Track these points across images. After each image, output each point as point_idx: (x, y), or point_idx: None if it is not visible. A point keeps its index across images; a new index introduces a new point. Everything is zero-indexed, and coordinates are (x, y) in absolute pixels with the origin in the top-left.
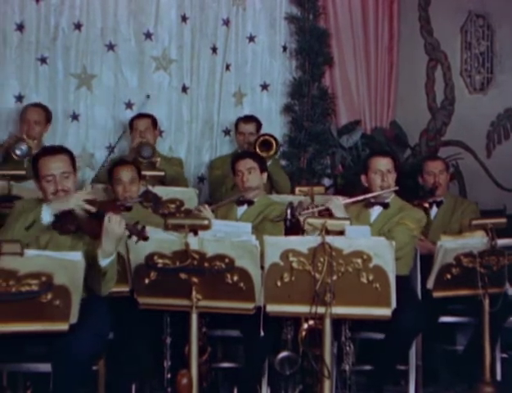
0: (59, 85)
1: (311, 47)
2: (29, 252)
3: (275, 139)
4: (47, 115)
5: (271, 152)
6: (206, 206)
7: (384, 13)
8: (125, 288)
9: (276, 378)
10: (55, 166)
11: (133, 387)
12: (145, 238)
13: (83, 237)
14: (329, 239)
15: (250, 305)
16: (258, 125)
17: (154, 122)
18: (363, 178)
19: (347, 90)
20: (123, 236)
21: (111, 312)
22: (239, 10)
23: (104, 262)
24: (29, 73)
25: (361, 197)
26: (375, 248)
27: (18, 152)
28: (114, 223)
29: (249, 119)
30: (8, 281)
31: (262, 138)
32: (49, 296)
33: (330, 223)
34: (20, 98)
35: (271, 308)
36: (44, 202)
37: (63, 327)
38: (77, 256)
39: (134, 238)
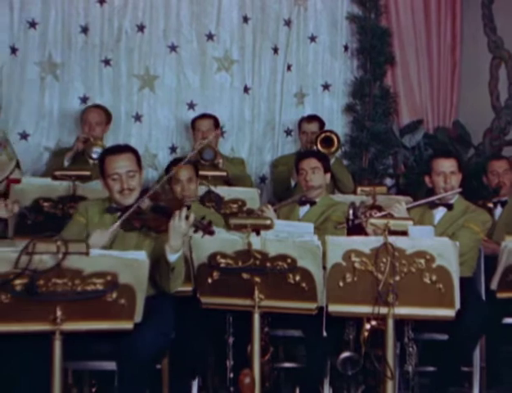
0: (122, 86)
1: (372, 46)
2: (95, 252)
3: (336, 136)
4: (107, 116)
5: (333, 149)
6: (269, 206)
7: (446, 11)
8: (188, 288)
9: (338, 379)
10: (121, 165)
11: (196, 386)
12: (211, 233)
13: (148, 234)
14: (391, 239)
15: (312, 305)
16: (321, 125)
17: (216, 122)
18: (427, 179)
19: (409, 89)
20: (191, 231)
21: (175, 311)
22: (300, 10)
23: (172, 257)
24: (93, 75)
25: (423, 201)
26: (439, 248)
27: (94, 155)
28: (181, 219)
29: (312, 118)
30: (74, 280)
31: (323, 135)
32: (114, 295)
33: (393, 224)
34: (84, 100)
35: (334, 308)
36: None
37: (128, 325)
38: (141, 255)
39: (200, 233)
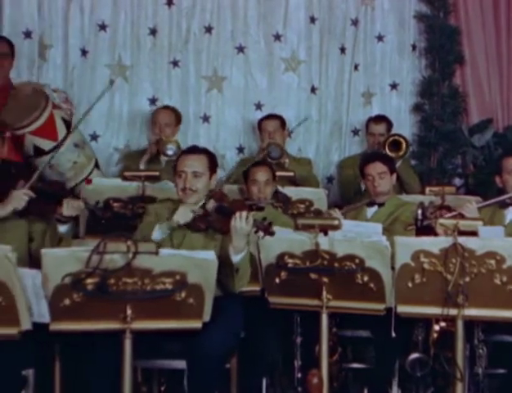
0: (190, 88)
1: (441, 45)
2: (164, 251)
3: (405, 139)
4: (177, 117)
5: (401, 153)
6: (336, 210)
7: None
8: (256, 288)
9: (406, 380)
10: (188, 164)
11: (264, 386)
12: (271, 233)
13: (214, 235)
14: (461, 240)
15: (381, 306)
16: (389, 126)
17: (282, 123)
18: (497, 179)
19: (478, 88)
20: (251, 231)
21: (243, 311)
22: (367, 9)
23: (236, 258)
24: (161, 76)
25: (494, 200)
26: (510, 249)
27: (169, 152)
28: (242, 220)
29: (380, 119)
30: (144, 279)
31: (391, 138)
32: (183, 295)
33: (463, 224)
34: (153, 101)
35: (402, 309)
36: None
37: (196, 324)
38: (210, 255)
39: (261, 233)
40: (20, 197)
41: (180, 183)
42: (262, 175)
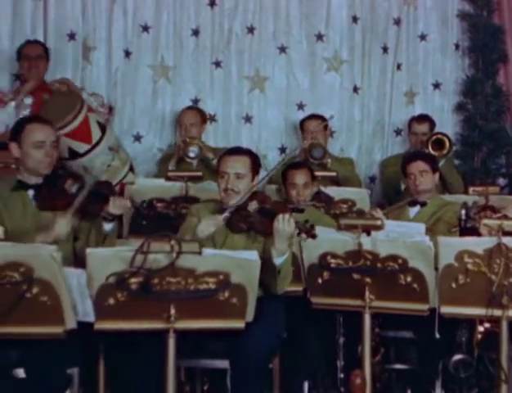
0: (233, 88)
1: (485, 44)
2: (207, 251)
3: (448, 138)
4: (202, 117)
5: (444, 151)
6: (378, 210)
7: None
8: (299, 288)
9: (450, 381)
10: (230, 165)
11: (306, 386)
12: (314, 236)
13: (256, 237)
14: (505, 240)
15: (424, 307)
16: (432, 125)
17: (324, 123)
18: None
19: None
20: (294, 234)
21: (285, 311)
22: (410, 9)
23: (278, 260)
24: (204, 77)
25: None
26: None
27: (191, 155)
28: (284, 222)
29: (423, 119)
30: (187, 279)
31: (434, 137)
32: (226, 294)
33: (507, 224)
34: (196, 102)
35: (446, 309)
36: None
37: (239, 324)
38: (253, 255)
39: (303, 236)
40: (66, 226)
41: (222, 184)
42: (300, 178)
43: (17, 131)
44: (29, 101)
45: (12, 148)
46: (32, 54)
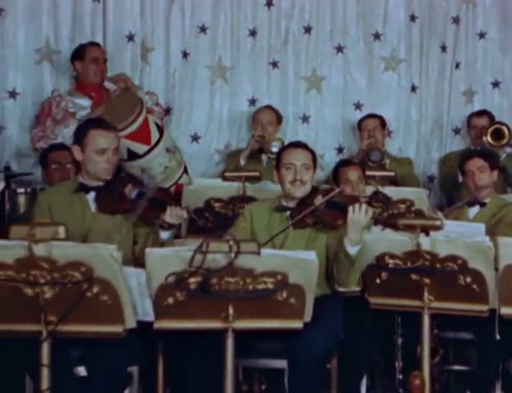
0: (289, 88)
1: None
2: (266, 251)
3: (507, 128)
4: (278, 117)
5: (504, 141)
6: (437, 212)
7: None
8: (356, 288)
9: (510, 383)
10: (297, 157)
11: (364, 386)
12: (393, 226)
13: (317, 235)
14: None
15: (484, 308)
16: (491, 119)
17: (382, 122)
18: None
19: None
20: (369, 225)
21: (343, 311)
22: (469, 7)
23: (352, 250)
24: (261, 77)
25: None
26: None
27: (274, 149)
28: (361, 212)
29: (482, 113)
30: (245, 279)
31: (493, 127)
32: (284, 295)
33: None
34: (253, 102)
35: (506, 311)
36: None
37: (297, 325)
38: (311, 255)
39: (379, 227)
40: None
41: (288, 175)
42: (353, 174)
43: (81, 135)
44: (86, 102)
45: (74, 151)
46: (96, 56)
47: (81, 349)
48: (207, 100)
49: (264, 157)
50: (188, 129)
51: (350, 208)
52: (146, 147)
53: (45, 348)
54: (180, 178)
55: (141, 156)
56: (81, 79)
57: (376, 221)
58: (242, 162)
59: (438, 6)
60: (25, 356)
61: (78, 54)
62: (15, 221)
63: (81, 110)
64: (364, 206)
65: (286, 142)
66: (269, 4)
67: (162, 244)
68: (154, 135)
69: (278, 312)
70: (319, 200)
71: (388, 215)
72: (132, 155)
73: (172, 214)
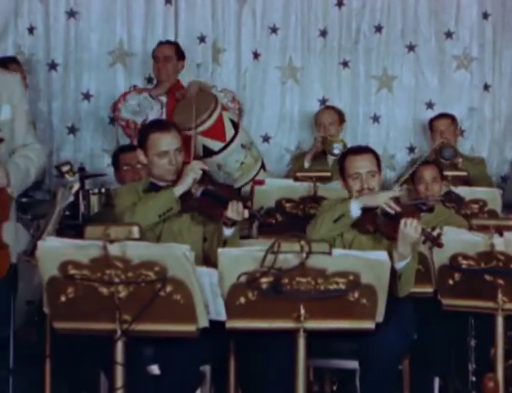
0: (360, 88)
1: None
2: (337, 251)
3: None
4: (340, 116)
5: None
6: None
7: None
8: (429, 289)
9: None
10: (361, 164)
11: (437, 388)
12: (440, 245)
13: (381, 239)
14: None
15: None
16: None
17: (454, 122)
18: None
19: None
20: (419, 240)
21: (416, 312)
22: None
23: (399, 264)
24: (331, 77)
25: None
26: None
27: (336, 151)
28: (410, 228)
29: None
30: (317, 279)
31: None
32: (356, 295)
33: None
34: (323, 102)
35: None
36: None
37: (369, 325)
38: (383, 256)
39: (428, 244)
40: (196, 168)
41: (355, 185)
42: (428, 173)
43: (142, 139)
44: (162, 99)
45: (139, 155)
46: (160, 55)
47: (154, 347)
48: (277, 100)
49: (330, 158)
50: (259, 130)
51: (402, 221)
52: (222, 144)
53: (119, 346)
54: (257, 174)
55: (217, 153)
56: (157, 78)
57: (426, 238)
58: (306, 164)
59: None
60: (100, 354)
61: (153, 53)
62: (89, 221)
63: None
64: (415, 222)
65: (356, 143)
66: (340, 4)
67: (225, 242)
68: (230, 131)
69: (350, 312)
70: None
71: (437, 234)
72: (208, 152)
73: (233, 210)
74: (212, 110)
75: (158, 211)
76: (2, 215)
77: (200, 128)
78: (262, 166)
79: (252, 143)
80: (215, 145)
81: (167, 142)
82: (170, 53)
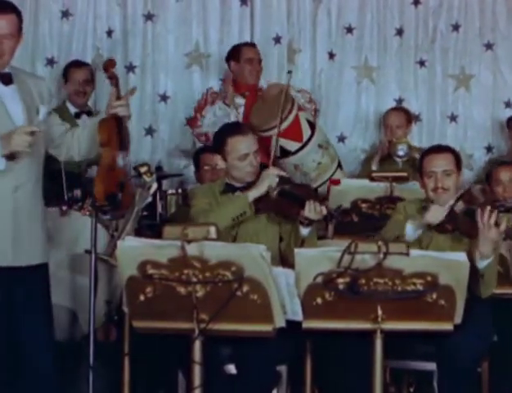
0: (437, 87)
1: None
2: (415, 252)
3: None
4: (407, 117)
5: None
6: None
7: None
8: (508, 290)
9: None
10: (437, 163)
11: None
12: None
13: (461, 239)
14: None
15: None
16: None
17: None
18: None
19: None
20: (500, 237)
21: (495, 314)
22: None
23: (481, 264)
24: (408, 76)
25: None
26: None
27: (400, 153)
28: (491, 225)
29: None
30: (394, 280)
31: None
32: (434, 296)
33: None
34: (399, 101)
35: None
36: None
37: (448, 327)
38: (461, 257)
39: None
40: (273, 175)
41: (430, 184)
42: (505, 174)
43: (220, 144)
44: (241, 101)
45: (217, 160)
46: (255, 57)
47: (231, 347)
48: (353, 100)
49: (397, 160)
50: (334, 130)
51: (482, 221)
52: (298, 144)
53: (197, 345)
54: (334, 173)
55: (294, 153)
56: (236, 78)
57: (507, 236)
58: (374, 167)
59: None
60: (178, 353)
61: (234, 54)
62: (166, 221)
63: (234, 108)
64: (494, 219)
65: (434, 143)
66: (416, 3)
67: (303, 241)
68: (306, 132)
69: (427, 314)
70: (459, 206)
71: None
72: (285, 153)
73: (310, 209)
74: (289, 111)
75: (231, 215)
76: (122, 145)
77: (277, 129)
78: (339, 165)
79: (329, 143)
80: (292, 145)
81: (247, 145)
82: (257, 55)
